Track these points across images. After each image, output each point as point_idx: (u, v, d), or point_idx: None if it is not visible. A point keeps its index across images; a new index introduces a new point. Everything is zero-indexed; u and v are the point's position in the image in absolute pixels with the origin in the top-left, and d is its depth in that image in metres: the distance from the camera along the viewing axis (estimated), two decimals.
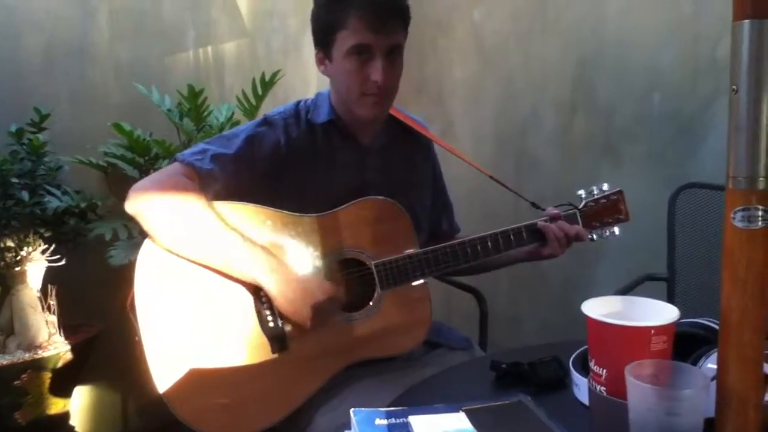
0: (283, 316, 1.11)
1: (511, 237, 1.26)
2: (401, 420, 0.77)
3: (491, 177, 1.43)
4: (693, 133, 1.86)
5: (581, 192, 1.34)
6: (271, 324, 1.11)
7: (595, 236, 1.34)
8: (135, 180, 1.16)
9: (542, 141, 2.27)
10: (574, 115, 2.16)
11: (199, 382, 1.05)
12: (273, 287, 1.09)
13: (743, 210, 0.61)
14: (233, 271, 1.09)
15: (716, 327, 0.82)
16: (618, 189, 1.35)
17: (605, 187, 1.34)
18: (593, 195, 1.34)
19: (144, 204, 1.11)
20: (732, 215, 0.62)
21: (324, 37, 1.20)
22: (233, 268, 1.09)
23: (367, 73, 1.17)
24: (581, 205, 1.33)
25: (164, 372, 1.04)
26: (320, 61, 1.25)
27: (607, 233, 1.34)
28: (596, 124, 2.11)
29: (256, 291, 1.11)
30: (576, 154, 2.17)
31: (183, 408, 1.04)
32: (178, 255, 1.09)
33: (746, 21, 0.59)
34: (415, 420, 0.76)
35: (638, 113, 1.99)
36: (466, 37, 2.50)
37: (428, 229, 1.43)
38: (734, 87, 0.61)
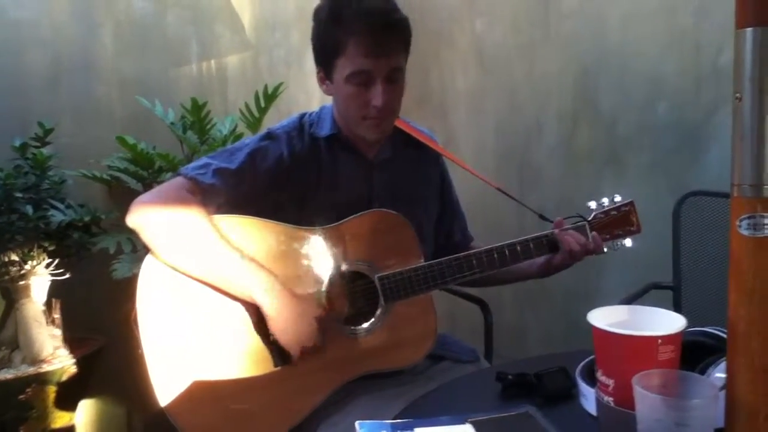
0: (276, 339, 1.10)
1: (518, 250, 1.24)
2: None
3: (499, 189, 1.42)
4: (696, 142, 1.86)
5: (591, 203, 1.31)
6: (273, 337, 1.10)
7: (605, 249, 1.32)
8: (139, 193, 1.16)
9: (545, 152, 2.27)
10: (576, 125, 2.16)
11: (201, 395, 1.05)
12: (269, 308, 1.08)
13: (749, 218, 0.61)
14: (230, 289, 1.09)
15: (724, 336, 0.81)
16: (629, 200, 1.32)
17: (617, 198, 1.31)
18: (603, 207, 1.31)
19: (145, 218, 1.11)
20: (738, 223, 0.62)
21: (324, 60, 1.20)
22: (230, 286, 1.09)
23: (368, 98, 1.16)
24: (590, 217, 1.31)
25: (166, 385, 1.04)
26: (321, 80, 1.25)
27: (618, 245, 1.32)
28: (599, 134, 2.11)
29: (257, 307, 1.10)
30: (579, 165, 2.17)
31: (185, 421, 1.03)
32: (176, 270, 1.09)
33: (749, 29, 0.59)
34: None
35: (641, 123, 1.99)
36: (468, 48, 2.51)
37: (436, 240, 1.42)
38: (738, 95, 0.61)
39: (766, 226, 0.60)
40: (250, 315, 1.11)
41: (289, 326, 1.08)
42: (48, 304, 1.82)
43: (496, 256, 1.23)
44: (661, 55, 1.92)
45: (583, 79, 2.13)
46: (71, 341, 1.84)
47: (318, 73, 1.25)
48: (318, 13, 1.20)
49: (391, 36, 1.16)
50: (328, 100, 1.31)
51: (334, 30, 1.15)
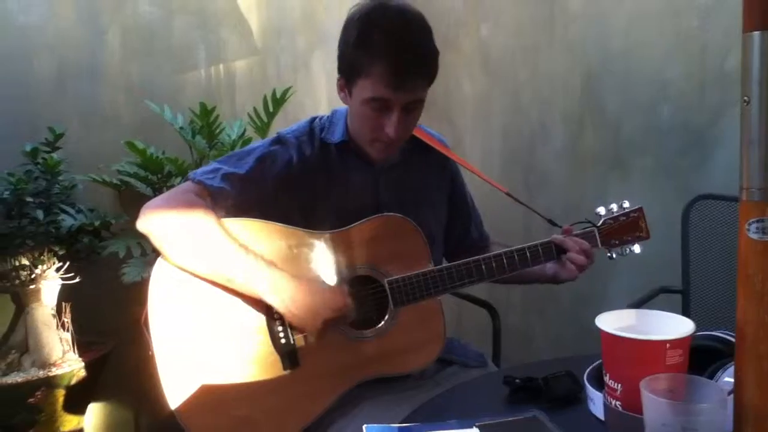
0: (294, 328, 1.10)
1: (527, 255, 1.24)
2: None
3: (508, 194, 1.42)
4: (702, 145, 1.86)
5: (600, 209, 1.31)
6: (283, 341, 1.11)
7: (614, 255, 1.32)
8: (148, 198, 1.17)
9: (551, 155, 2.27)
10: (582, 128, 2.16)
11: (210, 398, 1.05)
12: (282, 302, 1.09)
13: (758, 221, 0.61)
14: (243, 288, 1.09)
15: (732, 340, 0.81)
16: (638, 206, 1.32)
17: (626, 204, 1.32)
18: (612, 212, 1.31)
19: (155, 222, 1.12)
20: (746, 227, 0.62)
21: (346, 73, 1.18)
22: (243, 284, 1.09)
23: (382, 123, 1.15)
24: (599, 223, 1.31)
25: (176, 388, 1.04)
26: (341, 88, 1.22)
27: (627, 251, 1.32)
28: (604, 137, 2.11)
29: (268, 307, 1.11)
30: (585, 168, 2.17)
31: (194, 424, 1.04)
32: (189, 272, 1.10)
33: (756, 32, 0.59)
34: None
35: (646, 126, 1.99)
36: (473, 52, 2.51)
37: (450, 240, 1.42)
38: (746, 98, 0.61)
39: None
40: (263, 313, 1.11)
41: (307, 314, 1.08)
42: (58, 308, 1.84)
43: (505, 261, 1.23)
44: (666, 58, 1.91)
45: (588, 83, 2.13)
46: (80, 345, 1.85)
47: (339, 80, 1.22)
48: (348, 26, 1.16)
49: (417, 71, 1.13)
50: (335, 105, 1.31)
51: (361, 50, 1.12)
